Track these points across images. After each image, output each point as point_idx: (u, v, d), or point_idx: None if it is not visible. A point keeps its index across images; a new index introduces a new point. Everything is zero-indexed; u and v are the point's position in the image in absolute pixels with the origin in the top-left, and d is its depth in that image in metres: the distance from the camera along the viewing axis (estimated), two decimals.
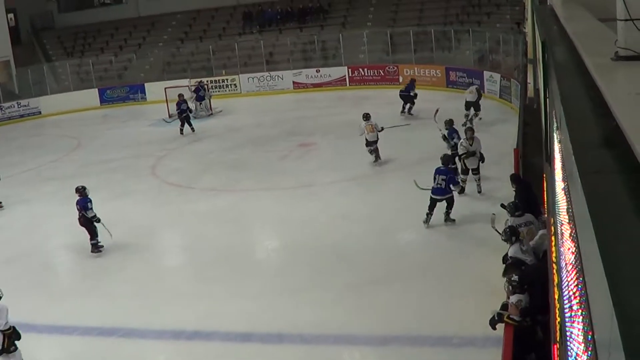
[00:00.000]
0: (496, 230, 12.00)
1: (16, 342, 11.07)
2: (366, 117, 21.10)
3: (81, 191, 16.82)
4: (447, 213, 15.84)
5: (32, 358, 12.52)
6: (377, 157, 21.11)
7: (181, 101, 29.04)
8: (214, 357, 11.60)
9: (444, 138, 19.43)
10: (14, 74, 40.00)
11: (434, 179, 15.81)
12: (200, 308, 13.07)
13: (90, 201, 16.57)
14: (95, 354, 12.07)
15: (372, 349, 11.34)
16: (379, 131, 20.88)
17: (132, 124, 32.10)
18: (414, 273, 13.37)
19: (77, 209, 16.66)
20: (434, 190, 15.76)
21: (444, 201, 15.80)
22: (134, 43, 43.96)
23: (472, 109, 24.81)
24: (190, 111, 29.36)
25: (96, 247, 16.65)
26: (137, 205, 20.04)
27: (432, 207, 15.73)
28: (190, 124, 28.86)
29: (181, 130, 28.81)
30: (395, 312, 12.12)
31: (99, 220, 16.54)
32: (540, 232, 11.14)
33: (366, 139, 20.90)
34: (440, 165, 16.21)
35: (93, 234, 16.65)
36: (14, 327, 11.05)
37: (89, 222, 16.56)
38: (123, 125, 32.66)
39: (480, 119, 24.56)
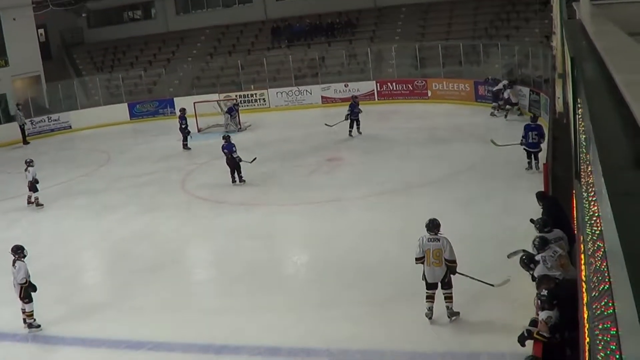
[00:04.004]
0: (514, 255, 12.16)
1: (32, 293, 13.62)
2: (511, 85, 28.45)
3: (227, 139, 23.05)
4: (536, 165, 19.79)
5: None
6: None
7: (182, 115, 29.41)
8: None
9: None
10: (45, 89, 40.42)
11: (527, 136, 19.89)
12: (228, 322, 13.09)
13: (234, 145, 22.58)
14: None
15: None
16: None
17: (161, 138, 32.27)
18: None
19: (225, 153, 22.67)
20: (529, 145, 19.93)
21: (532, 154, 19.93)
22: (163, 58, 44.33)
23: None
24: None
25: (240, 180, 22.64)
26: (167, 220, 20.14)
27: (529, 155, 20.03)
28: (186, 140, 29.42)
29: (185, 145, 29.29)
30: (423, 328, 12.04)
31: (241, 160, 22.53)
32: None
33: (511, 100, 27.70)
34: (530, 122, 20.53)
35: (237, 171, 22.59)
36: (29, 282, 13.60)
37: (234, 162, 22.43)
38: (152, 139, 32.85)
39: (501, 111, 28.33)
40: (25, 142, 35.32)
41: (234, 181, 22.72)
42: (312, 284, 14.81)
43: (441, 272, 12.01)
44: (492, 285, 12.39)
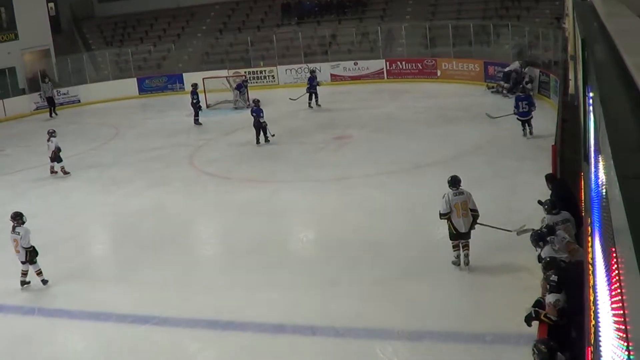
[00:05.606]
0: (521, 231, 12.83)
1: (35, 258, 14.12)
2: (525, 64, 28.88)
3: (257, 103, 24.91)
4: (530, 130, 21.58)
5: (66, 344, 12.74)
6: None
7: (194, 91, 29.24)
8: (246, 348, 11.63)
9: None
10: (54, 63, 40.38)
11: (518, 106, 21.68)
12: (234, 298, 13.12)
13: (262, 111, 24.39)
14: (129, 341, 12.17)
15: (404, 344, 11.28)
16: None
17: (170, 113, 32.28)
18: (447, 268, 13.26)
19: (253, 116, 24.37)
20: (521, 114, 21.66)
21: (526, 122, 21.64)
22: (172, 33, 44.19)
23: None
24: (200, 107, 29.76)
25: (266, 140, 24.46)
26: (174, 195, 20.16)
27: (524, 124, 21.69)
28: (198, 115, 29.34)
29: (196, 120, 29.23)
30: (428, 307, 12.08)
31: (266, 125, 24.28)
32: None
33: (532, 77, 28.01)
34: (520, 94, 22.96)
35: (263, 132, 24.37)
36: (33, 247, 14.08)
37: (259, 125, 24.22)
38: (161, 114, 32.88)
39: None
40: (54, 113, 35.59)
41: (258, 142, 24.47)
42: (318, 261, 14.81)
43: (469, 222, 13.13)
44: (510, 231, 13.23)
